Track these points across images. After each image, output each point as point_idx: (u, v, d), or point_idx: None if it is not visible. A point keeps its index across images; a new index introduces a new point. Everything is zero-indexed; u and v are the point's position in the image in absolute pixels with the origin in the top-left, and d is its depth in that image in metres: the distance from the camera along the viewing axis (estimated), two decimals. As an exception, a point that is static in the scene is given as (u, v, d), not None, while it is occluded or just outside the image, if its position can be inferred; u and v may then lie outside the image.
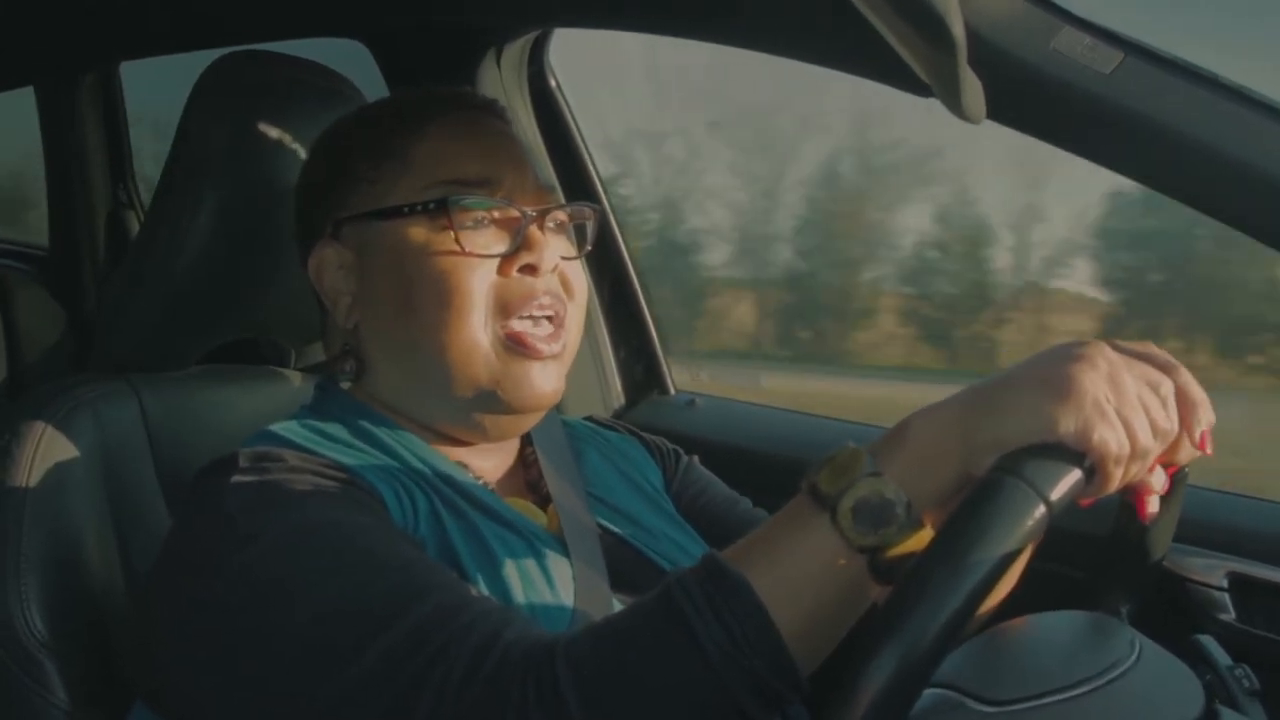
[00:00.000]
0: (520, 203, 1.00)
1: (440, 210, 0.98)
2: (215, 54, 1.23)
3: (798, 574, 0.74)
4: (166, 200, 1.19)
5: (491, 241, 0.99)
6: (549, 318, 1.00)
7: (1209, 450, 0.79)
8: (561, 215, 1.04)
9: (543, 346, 0.99)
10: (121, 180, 2.43)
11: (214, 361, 1.28)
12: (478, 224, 0.99)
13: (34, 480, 1.06)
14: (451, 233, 0.97)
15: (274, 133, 1.19)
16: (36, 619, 1.02)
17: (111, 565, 1.10)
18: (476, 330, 0.97)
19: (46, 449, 1.08)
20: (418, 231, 0.98)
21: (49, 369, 2.34)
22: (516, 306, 0.98)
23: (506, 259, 0.99)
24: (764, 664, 0.72)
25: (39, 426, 1.08)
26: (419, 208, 0.99)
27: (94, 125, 2.38)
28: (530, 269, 0.99)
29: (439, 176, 1.00)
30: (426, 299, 0.97)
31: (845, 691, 0.64)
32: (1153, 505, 0.81)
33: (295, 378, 1.33)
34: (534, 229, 0.99)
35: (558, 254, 1.01)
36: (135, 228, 2.42)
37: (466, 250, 0.97)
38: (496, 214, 1.00)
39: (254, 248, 1.19)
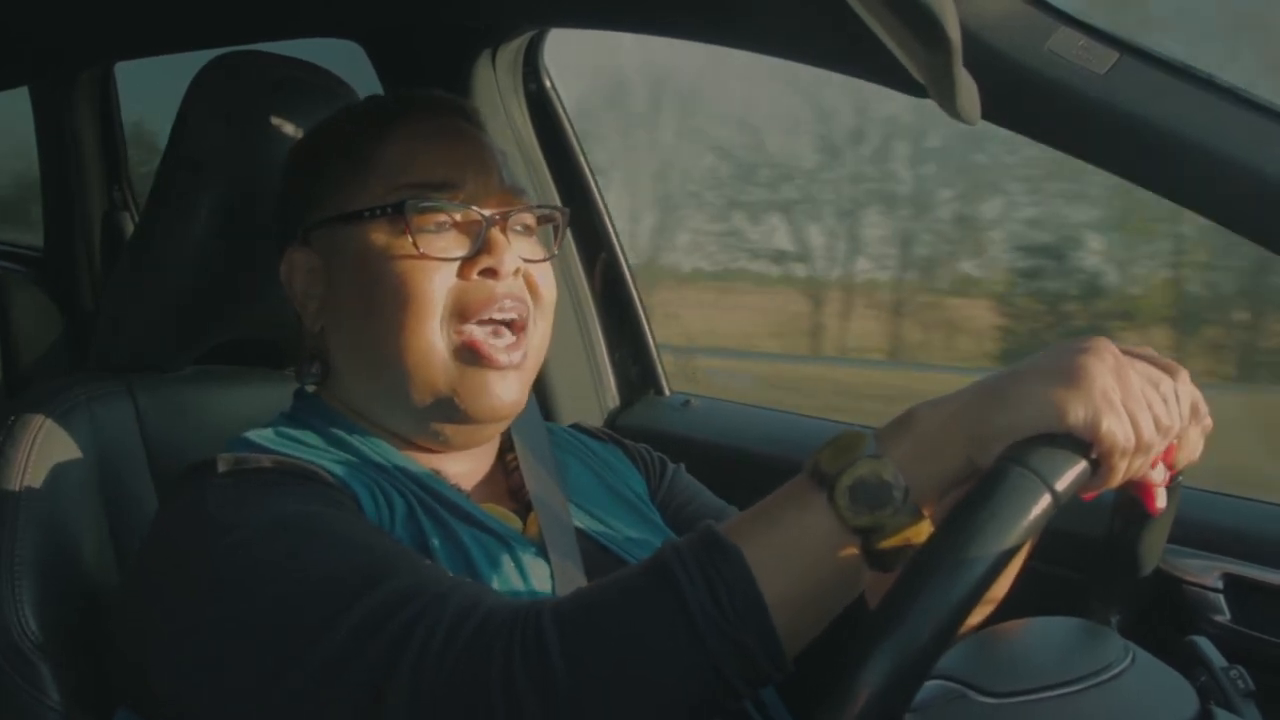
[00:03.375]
0: (483, 206, 1.00)
1: (398, 214, 0.98)
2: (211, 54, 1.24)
3: (791, 549, 0.74)
4: (161, 200, 1.19)
5: (451, 245, 0.98)
6: (509, 323, 0.99)
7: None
8: (528, 218, 1.04)
9: (501, 357, 0.98)
10: (116, 181, 2.43)
11: (210, 362, 1.28)
12: (439, 228, 0.99)
13: (29, 481, 1.06)
14: (409, 236, 0.97)
15: (269, 133, 1.19)
16: (30, 620, 1.02)
17: (106, 566, 1.10)
18: (433, 335, 0.97)
19: (42, 450, 1.08)
20: (378, 236, 0.98)
21: (45, 369, 2.34)
22: (475, 310, 0.98)
23: (466, 262, 0.98)
24: (749, 635, 0.72)
25: (34, 427, 1.08)
26: (379, 212, 0.99)
27: (89, 125, 2.38)
28: (490, 272, 0.98)
29: (400, 180, 1.00)
30: (385, 303, 0.98)
31: (849, 676, 0.64)
32: (1160, 499, 0.81)
33: (289, 379, 1.33)
34: (495, 232, 0.99)
35: (521, 257, 1.01)
36: (130, 228, 2.42)
37: (424, 253, 0.97)
38: (458, 217, 0.99)
39: (250, 247, 1.19)
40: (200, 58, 1.24)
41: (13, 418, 1.09)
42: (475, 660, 0.74)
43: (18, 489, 1.05)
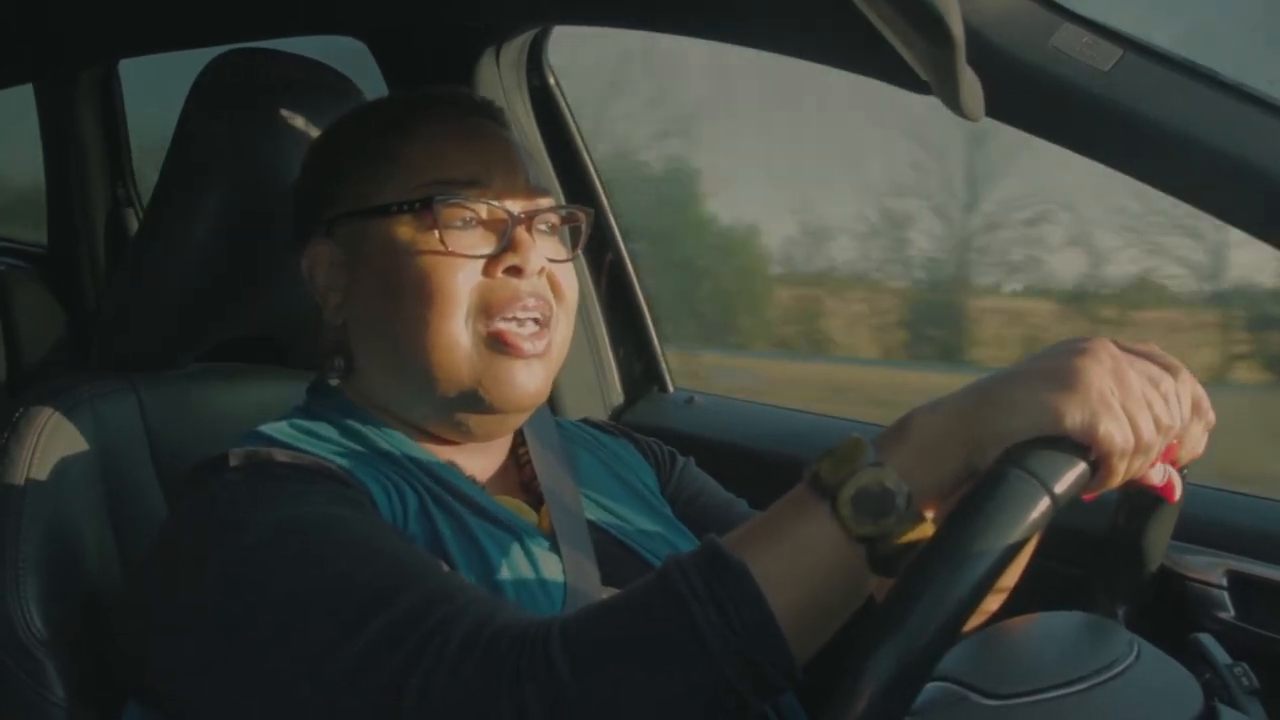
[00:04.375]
0: (509, 204, 1.00)
1: (426, 209, 0.98)
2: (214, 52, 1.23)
3: (796, 561, 0.74)
4: (166, 198, 1.19)
5: (477, 242, 0.99)
6: (534, 319, 1.00)
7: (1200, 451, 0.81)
8: (553, 218, 1.04)
9: (526, 345, 0.98)
10: (120, 178, 2.43)
11: (218, 359, 1.28)
12: (465, 224, 0.99)
13: (33, 478, 1.06)
14: (436, 232, 0.97)
15: (273, 130, 1.18)
16: (35, 617, 1.02)
17: (109, 563, 1.10)
18: (458, 330, 0.97)
19: (45, 447, 1.08)
20: (404, 230, 0.99)
21: (48, 367, 2.34)
22: (500, 308, 0.98)
23: (492, 260, 0.98)
24: (760, 650, 0.72)
25: (38, 425, 1.08)
26: (405, 206, 0.99)
27: (92, 123, 2.38)
28: (515, 270, 0.98)
29: (427, 176, 1.00)
30: (410, 298, 0.98)
31: (849, 681, 0.64)
32: (1178, 489, 0.81)
33: (295, 376, 1.32)
34: (521, 230, 0.99)
35: (545, 256, 1.01)
36: (134, 226, 2.42)
37: (450, 250, 0.97)
38: (484, 214, 1.00)
39: (253, 246, 1.19)
40: (204, 56, 1.24)
41: (17, 415, 1.09)
42: (485, 680, 0.74)
43: (22, 486, 1.05)
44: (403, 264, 0.98)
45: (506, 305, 0.98)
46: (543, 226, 1.03)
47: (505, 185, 1.01)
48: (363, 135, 1.05)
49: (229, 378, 1.28)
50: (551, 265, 1.02)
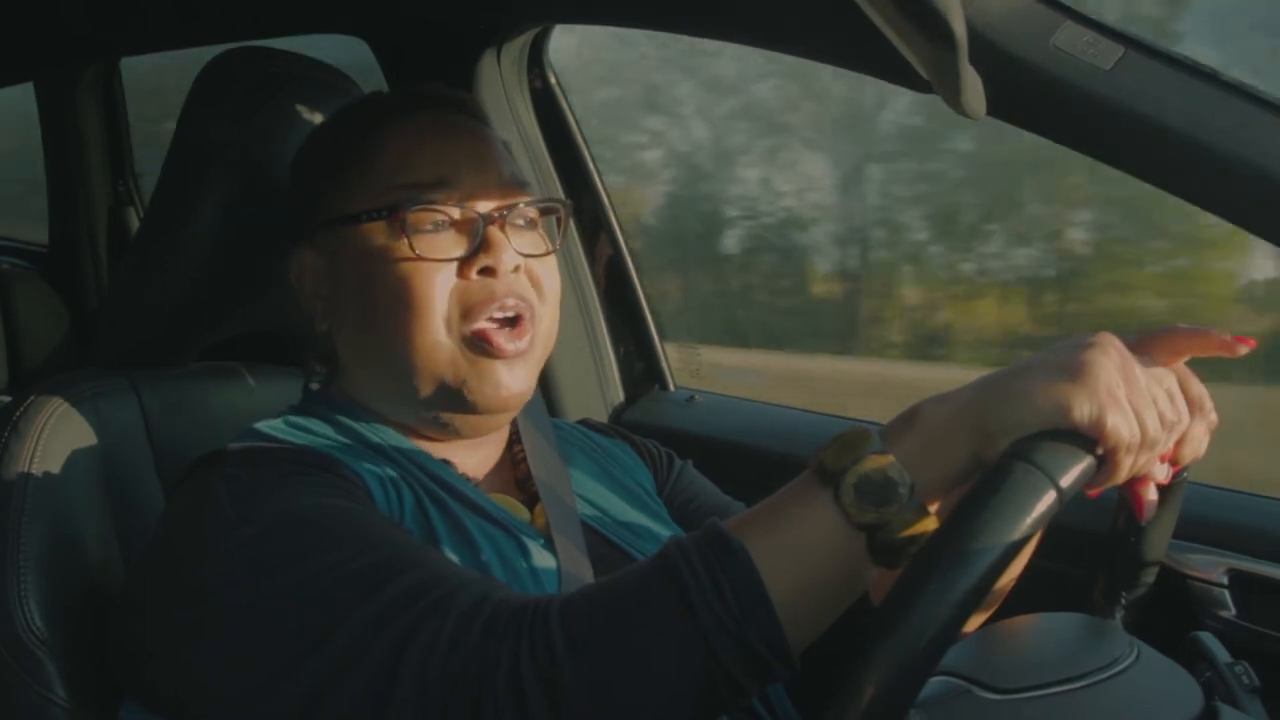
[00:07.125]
0: (481, 202, 0.99)
1: (394, 216, 0.97)
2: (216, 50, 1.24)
3: (796, 546, 0.74)
4: (166, 196, 1.19)
5: (449, 245, 0.98)
6: (512, 320, 0.99)
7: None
8: (530, 212, 1.03)
9: (508, 345, 0.98)
10: (121, 176, 2.43)
11: (219, 357, 1.28)
12: (436, 227, 0.98)
13: (33, 476, 1.06)
14: (406, 239, 0.97)
15: (273, 129, 1.18)
16: (35, 616, 1.02)
17: (110, 561, 1.10)
18: (438, 334, 0.97)
19: (46, 445, 1.08)
20: (376, 238, 0.98)
21: (50, 365, 2.34)
22: (478, 310, 0.97)
23: (465, 262, 0.97)
24: (755, 632, 0.72)
25: (39, 422, 1.08)
26: (375, 215, 0.98)
27: (94, 121, 2.39)
28: (489, 271, 0.97)
29: (395, 181, 0.99)
30: (387, 306, 0.97)
31: (853, 672, 0.64)
32: (1150, 495, 0.81)
33: (296, 375, 1.32)
34: (493, 229, 0.98)
35: (521, 252, 1.00)
36: (135, 223, 2.43)
37: (421, 255, 0.96)
38: (456, 215, 0.98)
39: (253, 244, 1.19)
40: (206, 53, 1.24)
41: (18, 412, 1.09)
42: (482, 654, 0.75)
43: (23, 484, 1.05)
44: (377, 272, 0.98)
45: (484, 306, 0.97)
46: (520, 221, 1.01)
47: (476, 183, 1.00)
48: (335, 142, 1.04)
49: (230, 376, 1.28)
50: (530, 260, 1.01)
